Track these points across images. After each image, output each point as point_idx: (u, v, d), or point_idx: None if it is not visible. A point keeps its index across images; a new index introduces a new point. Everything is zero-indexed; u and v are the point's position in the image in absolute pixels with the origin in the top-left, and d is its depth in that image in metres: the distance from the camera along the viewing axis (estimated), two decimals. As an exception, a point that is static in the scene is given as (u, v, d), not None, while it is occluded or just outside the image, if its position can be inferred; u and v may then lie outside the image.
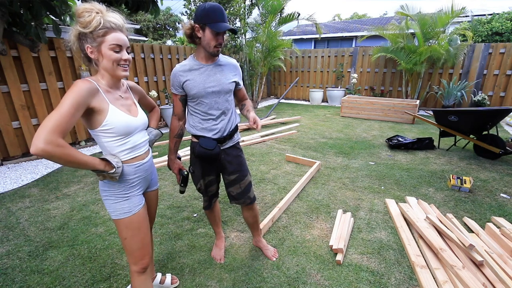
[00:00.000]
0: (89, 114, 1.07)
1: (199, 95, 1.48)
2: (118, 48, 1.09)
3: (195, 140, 1.60)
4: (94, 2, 1.07)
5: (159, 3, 4.03)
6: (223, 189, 1.84)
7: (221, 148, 1.60)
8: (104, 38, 1.06)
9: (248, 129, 5.44)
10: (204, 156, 1.52)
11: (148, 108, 1.56)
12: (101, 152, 4.13)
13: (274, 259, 1.94)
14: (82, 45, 1.08)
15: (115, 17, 1.09)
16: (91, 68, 1.15)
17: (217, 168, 1.68)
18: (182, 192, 1.70)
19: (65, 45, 1.13)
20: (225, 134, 1.58)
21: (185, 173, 1.63)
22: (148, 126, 1.47)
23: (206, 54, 1.46)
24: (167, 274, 1.73)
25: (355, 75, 7.91)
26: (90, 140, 4.84)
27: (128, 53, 1.15)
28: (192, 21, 1.39)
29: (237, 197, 1.72)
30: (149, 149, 1.34)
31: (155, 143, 4.53)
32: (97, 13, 1.05)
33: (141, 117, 1.26)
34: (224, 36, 1.42)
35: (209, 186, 1.71)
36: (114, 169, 1.10)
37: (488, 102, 6.43)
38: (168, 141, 4.56)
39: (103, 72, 1.13)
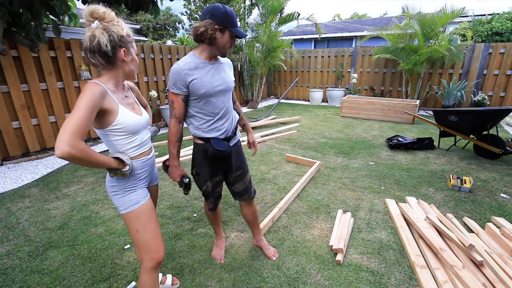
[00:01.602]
0: (101, 115, 1.11)
1: (208, 95, 1.44)
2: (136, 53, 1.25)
3: (200, 142, 1.56)
4: (101, 7, 1.11)
5: (159, 3, 4.03)
6: (223, 189, 1.85)
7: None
8: (133, 44, 1.20)
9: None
10: (218, 157, 1.51)
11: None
12: (103, 151, 4.13)
13: (274, 258, 1.95)
14: (113, 48, 1.11)
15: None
16: (93, 69, 1.19)
17: (224, 168, 1.68)
18: (186, 194, 1.66)
19: (81, 45, 1.20)
20: (230, 132, 1.60)
21: (187, 180, 1.57)
22: None
23: (214, 53, 1.46)
24: (167, 275, 1.73)
25: (355, 75, 7.91)
26: (90, 140, 4.84)
27: None
28: (207, 20, 1.34)
29: (242, 193, 1.76)
30: (151, 146, 1.40)
31: (155, 143, 4.54)
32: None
33: (145, 115, 1.32)
34: None
35: (216, 187, 1.71)
36: (128, 167, 1.18)
37: (488, 102, 6.42)
38: (166, 141, 4.58)
39: (114, 73, 1.17)
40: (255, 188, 1.87)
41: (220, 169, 1.66)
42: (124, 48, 1.14)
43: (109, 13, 1.10)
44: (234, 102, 1.78)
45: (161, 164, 3.56)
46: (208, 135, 1.53)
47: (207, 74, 1.45)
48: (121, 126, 1.15)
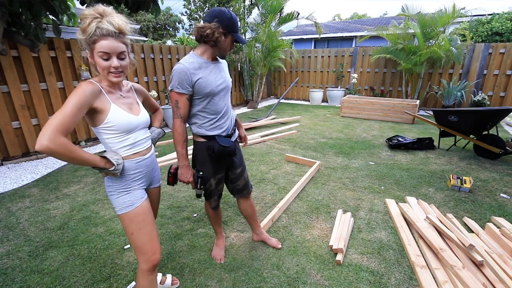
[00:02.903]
0: (92, 113, 1.12)
1: (212, 93, 1.49)
2: (105, 55, 1.09)
3: (203, 140, 1.59)
4: (99, 6, 1.09)
5: (159, 2, 4.02)
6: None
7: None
8: (94, 45, 1.08)
9: (247, 129, 5.44)
10: (224, 154, 1.55)
11: (152, 109, 1.59)
12: (102, 151, 4.12)
13: (280, 246, 2.04)
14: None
15: (112, 22, 1.08)
16: (93, 69, 1.17)
17: (226, 165, 1.72)
18: (200, 195, 1.64)
19: (79, 47, 1.24)
20: (231, 129, 1.65)
21: (201, 173, 1.58)
22: (151, 126, 1.50)
23: (215, 55, 1.51)
24: (167, 275, 1.73)
25: (355, 75, 7.91)
26: (90, 140, 4.84)
27: (123, 58, 1.15)
28: (215, 24, 1.39)
29: (243, 189, 1.83)
30: (151, 146, 1.39)
31: (157, 143, 4.53)
32: (95, 18, 1.06)
33: (143, 115, 1.30)
34: None
35: (219, 184, 1.74)
36: (114, 167, 1.15)
37: (488, 102, 6.42)
38: (166, 141, 4.58)
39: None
40: (251, 183, 1.96)
41: (223, 166, 1.69)
42: (86, 51, 1.12)
43: (83, 12, 1.08)
44: None
45: (162, 164, 3.57)
46: (211, 133, 1.57)
47: (211, 73, 1.49)
48: (111, 125, 1.15)
